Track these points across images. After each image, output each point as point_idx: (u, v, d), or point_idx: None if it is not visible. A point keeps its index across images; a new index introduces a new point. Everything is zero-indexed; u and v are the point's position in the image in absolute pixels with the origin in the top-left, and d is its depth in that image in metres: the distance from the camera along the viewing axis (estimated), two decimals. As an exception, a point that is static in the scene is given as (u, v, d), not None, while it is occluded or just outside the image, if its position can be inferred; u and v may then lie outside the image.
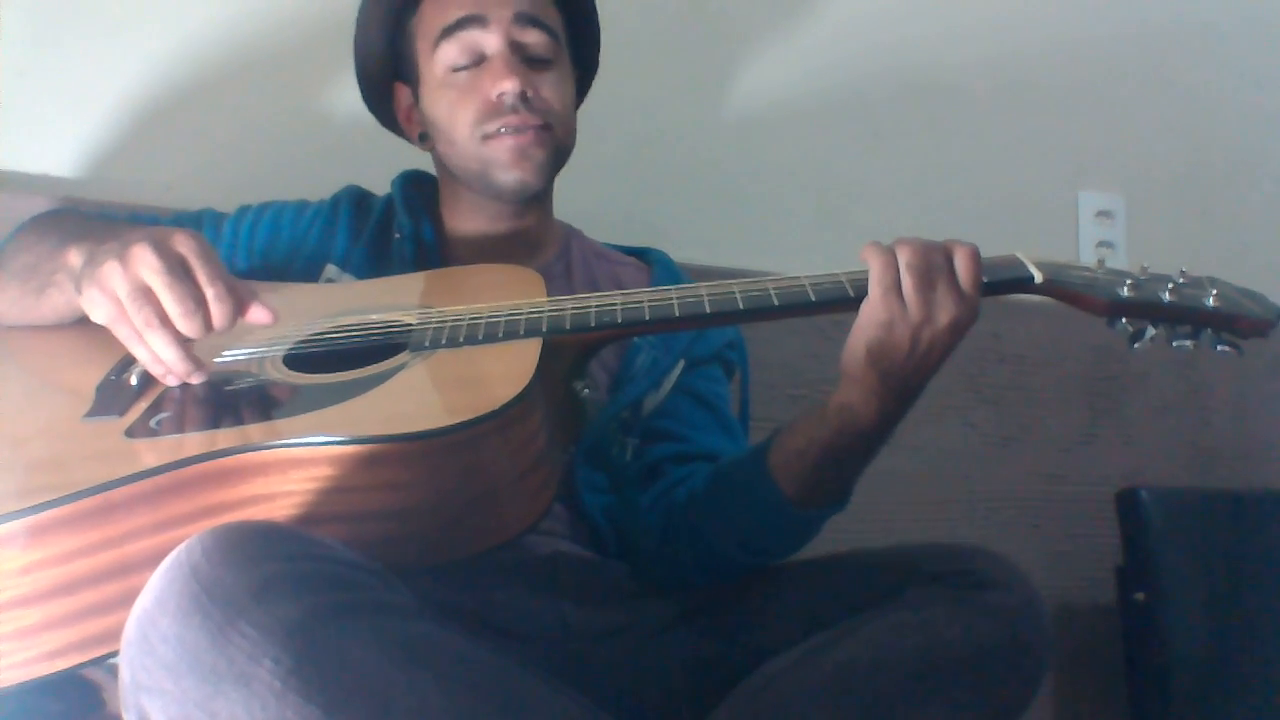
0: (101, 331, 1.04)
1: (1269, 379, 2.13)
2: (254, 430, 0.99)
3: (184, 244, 1.01)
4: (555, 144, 1.30)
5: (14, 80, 1.47)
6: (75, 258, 1.07)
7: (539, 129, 1.27)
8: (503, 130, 1.26)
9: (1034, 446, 1.98)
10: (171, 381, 1.04)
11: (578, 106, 1.43)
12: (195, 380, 1.04)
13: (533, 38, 1.30)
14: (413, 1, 1.33)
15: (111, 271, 1.00)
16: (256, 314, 1.05)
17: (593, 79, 1.46)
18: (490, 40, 1.28)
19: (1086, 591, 1.91)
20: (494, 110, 1.27)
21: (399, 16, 1.35)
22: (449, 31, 1.29)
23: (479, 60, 1.29)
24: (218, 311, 1.00)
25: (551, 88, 1.29)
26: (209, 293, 1.00)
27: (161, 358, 1.01)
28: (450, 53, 1.29)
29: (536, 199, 1.34)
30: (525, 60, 1.29)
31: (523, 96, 1.26)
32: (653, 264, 1.43)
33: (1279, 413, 2.15)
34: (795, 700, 1.02)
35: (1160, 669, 1.76)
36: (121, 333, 1.01)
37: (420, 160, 1.43)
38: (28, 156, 1.48)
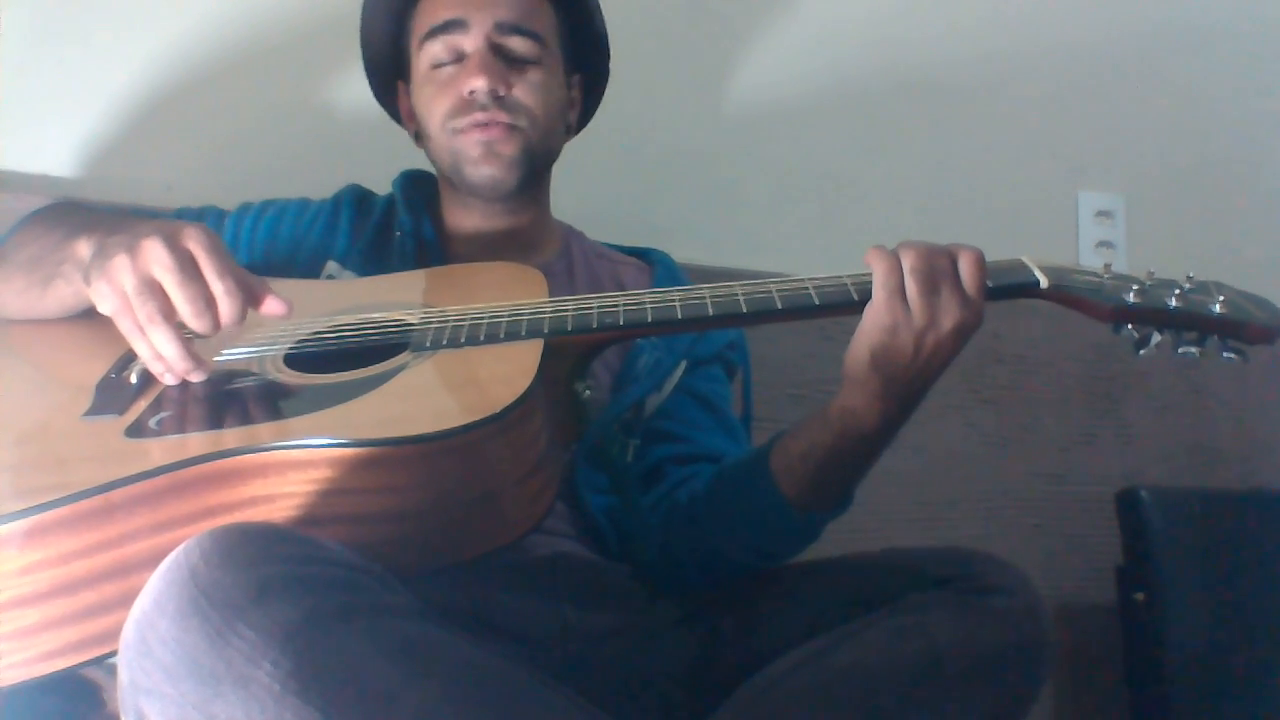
0: (102, 327, 1.04)
1: (1269, 380, 2.13)
2: (253, 431, 0.99)
3: (194, 238, 1.01)
4: (526, 143, 1.30)
5: (14, 80, 1.47)
6: (84, 249, 1.07)
7: (507, 126, 1.28)
8: (470, 126, 1.28)
9: (1034, 446, 1.98)
10: (170, 380, 1.04)
11: (590, 115, 1.44)
12: (195, 378, 1.03)
13: (514, 42, 1.31)
14: (411, 2, 1.35)
15: (120, 265, 0.99)
16: (271, 305, 1.05)
17: (603, 88, 1.46)
18: (470, 41, 1.30)
19: (1086, 591, 1.90)
20: (464, 106, 1.28)
21: (399, 16, 1.36)
22: (434, 32, 1.31)
23: (460, 58, 1.30)
24: (227, 307, 1.00)
25: (528, 88, 1.30)
26: (218, 288, 1.00)
27: (162, 354, 1.01)
28: (434, 50, 1.31)
29: (522, 197, 1.34)
30: (505, 60, 1.30)
31: (494, 94, 1.27)
32: (654, 264, 1.43)
33: (1279, 413, 2.15)
34: (796, 703, 1.02)
35: (1160, 669, 1.76)
36: (124, 326, 1.01)
37: (421, 160, 1.43)
38: (27, 156, 1.48)
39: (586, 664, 1.11)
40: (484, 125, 1.27)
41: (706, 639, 1.17)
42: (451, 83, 1.29)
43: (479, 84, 1.27)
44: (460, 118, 1.28)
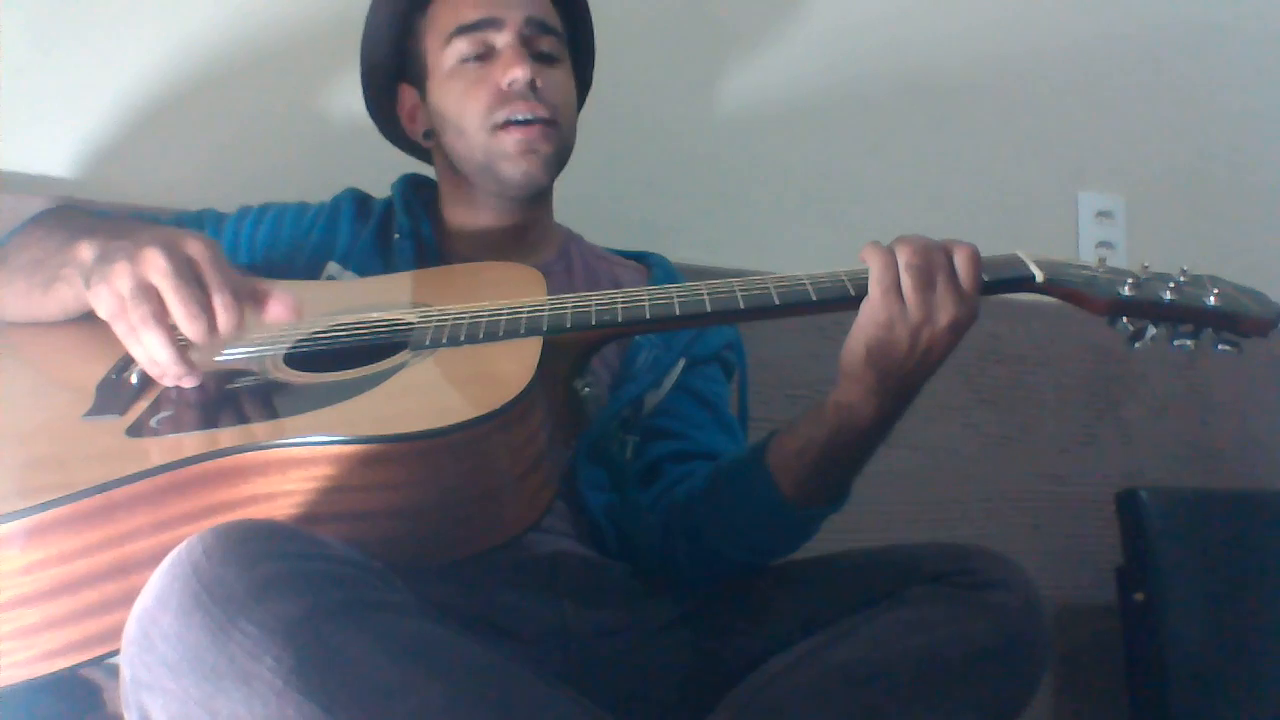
0: (102, 329, 1.04)
1: (1269, 379, 2.13)
2: (254, 430, 0.99)
3: (195, 248, 1.01)
4: (560, 140, 1.32)
5: (14, 80, 1.47)
6: (86, 252, 1.06)
7: (545, 123, 1.29)
8: (511, 120, 1.28)
9: (1034, 446, 1.98)
10: (168, 382, 1.04)
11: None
12: (187, 384, 1.03)
13: (541, 39, 1.33)
14: (422, 3, 1.36)
15: (120, 269, 0.99)
16: (276, 310, 1.04)
17: (587, 93, 1.48)
18: (501, 38, 1.31)
19: (1086, 591, 1.90)
20: (503, 98, 1.29)
21: (408, 17, 1.37)
22: (463, 30, 1.31)
23: (489, 53, 1.31)
24: (224, 319, 1.00)
25: (555, 85, 1.32)
26: (216, 300, 1.00)
27: (155, 358, 1.01)
28: (462, 46, 1.32)
29: (538, 197, 1.35)
30: (533, 55, 1.31)
31: (532, 85, 1.28)
32: (652, 267, 1.43)
33: (1279, 413, 2.15)
34: (795, 699, 1.02)
35: (1160, 669, 1.76)
36: (119, 329, 1.01)
37: (420, 165, 1.43)
38: (28, 156, 1.48)
39: (586, 662, 1.11)
40: (524, 125, 1.28)
41: (705, 636, 1.17)
42: (484, 77, 1.30)
43: (519, 74, 1.28)
44: (500, 110, 1.29)
